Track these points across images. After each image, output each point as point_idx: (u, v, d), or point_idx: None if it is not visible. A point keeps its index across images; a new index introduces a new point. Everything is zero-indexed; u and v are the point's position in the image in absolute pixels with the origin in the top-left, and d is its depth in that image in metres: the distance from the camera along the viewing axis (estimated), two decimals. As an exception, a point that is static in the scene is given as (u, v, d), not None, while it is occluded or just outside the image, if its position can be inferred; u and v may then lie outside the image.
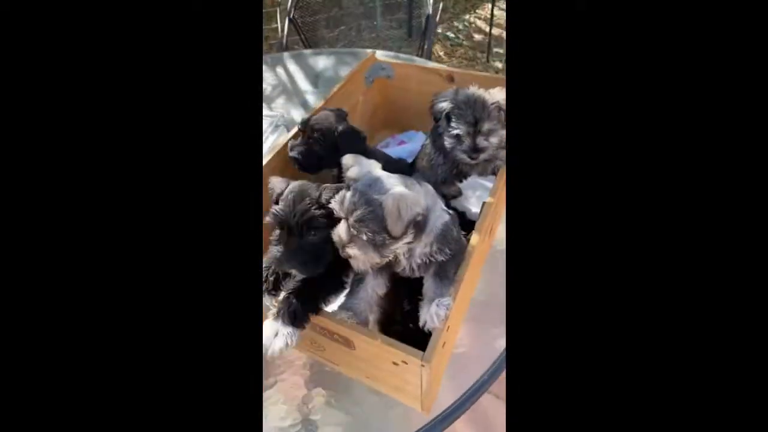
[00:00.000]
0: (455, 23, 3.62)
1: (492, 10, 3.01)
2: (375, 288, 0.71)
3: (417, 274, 0.71)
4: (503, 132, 0.86)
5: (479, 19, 3.73)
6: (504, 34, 3.49)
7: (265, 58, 1.81)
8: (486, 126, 0.84)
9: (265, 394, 0.83)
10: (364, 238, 0.62)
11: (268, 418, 0.80)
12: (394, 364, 0.67)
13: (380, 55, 1.83)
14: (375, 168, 0.70)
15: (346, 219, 0.64)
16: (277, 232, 0.72)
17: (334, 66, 1.74)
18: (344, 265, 0.71)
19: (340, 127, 0.93)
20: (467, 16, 3.74)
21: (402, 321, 0.77)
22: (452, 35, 3.54)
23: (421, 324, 0.66)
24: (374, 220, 0.60)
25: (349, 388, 0.82)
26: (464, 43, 3.50)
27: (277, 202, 0.73)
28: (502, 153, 0.89)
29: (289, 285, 0.74)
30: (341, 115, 0.98)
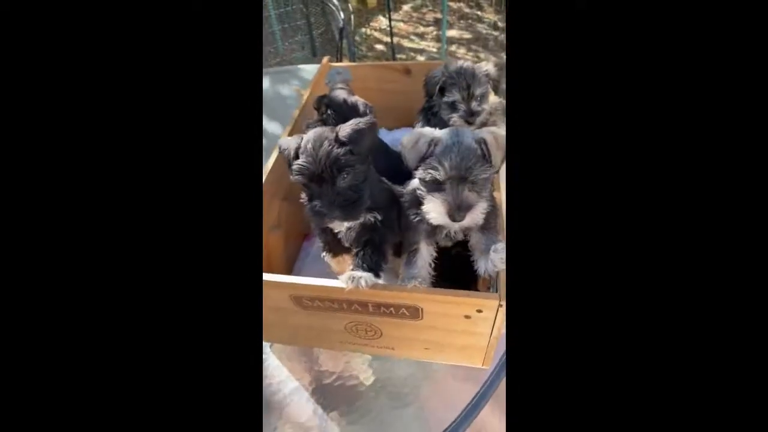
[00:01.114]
0: (355, 38, 3.79)
1: (390, 21, 3.22)
2: (430, 254, 0.75)
3: (460, 236, 0.76)
4: (494, 97, 0.96)
5: (375, 30, 3.94)
6: (403, 42, 3.74)
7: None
8: (478, 91, 0.93)
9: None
10: (481, 177, 0.65)
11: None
12: (466, 317, 0.72)
13: (312, 68, 1.88)
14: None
15: (449, 179, 0.67)
16: (306, 188, 0.70)
17: (272, 85, 1.75)
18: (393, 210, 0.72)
19: (350, 100, 0.98)
20: (364, 30, 3.94)
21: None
22: (355, 49, 3.69)
23: (482, 273, 0.71)
24: (480, 161, 0.66)
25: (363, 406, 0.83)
26: (368, 54, 3.68)
27: (297, 157, 0.70)
28: (493, 118, 0.99)
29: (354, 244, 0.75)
30: (351, 91, 1.03)
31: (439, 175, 0.68)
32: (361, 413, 0.82)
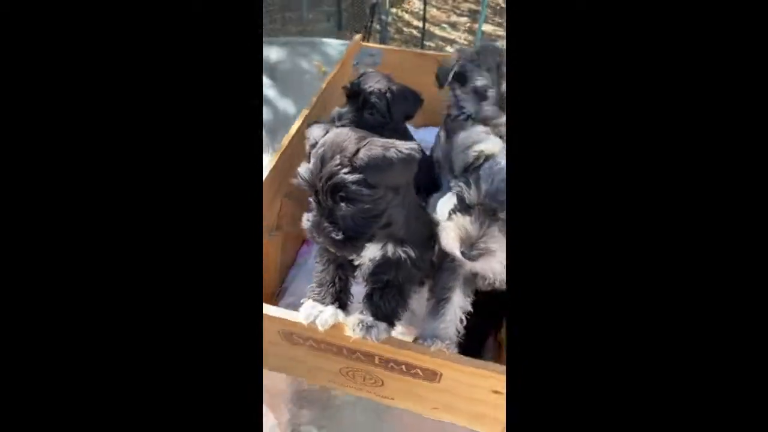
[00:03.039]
0: (386, 18, 3.56)
1: (425, 5, 3.00)
2: (462, 307, 0.59)
3: (501, 285, 0.61)
4: None
5: (407, 12, 3.72)
6: (433, 29, 3.52)
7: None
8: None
9: None
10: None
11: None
12: (495, 392, 0.57)
13: (337, 43, 1.70)
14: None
15: (479, 205, 0.52)
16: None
17: (290, 57, 1.56)
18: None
19: (394, 88, 0.78)
20: (395, 10, 3.71)
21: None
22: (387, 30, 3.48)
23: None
24: None
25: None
26: (395, 37, 3.46)
27: (309, 159, 0.55)
28: None
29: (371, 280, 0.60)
30: (390, 77, 0.82)
31: (469, 196, 0.53)
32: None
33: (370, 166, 0.51)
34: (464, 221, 0.53)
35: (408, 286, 0.59)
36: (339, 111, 0.76)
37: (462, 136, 0.57)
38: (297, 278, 0.92)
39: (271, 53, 1.57)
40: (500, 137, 0.63)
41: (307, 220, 0.54)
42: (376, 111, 0.76)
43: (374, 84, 0.78)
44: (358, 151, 0.52)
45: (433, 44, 3.39)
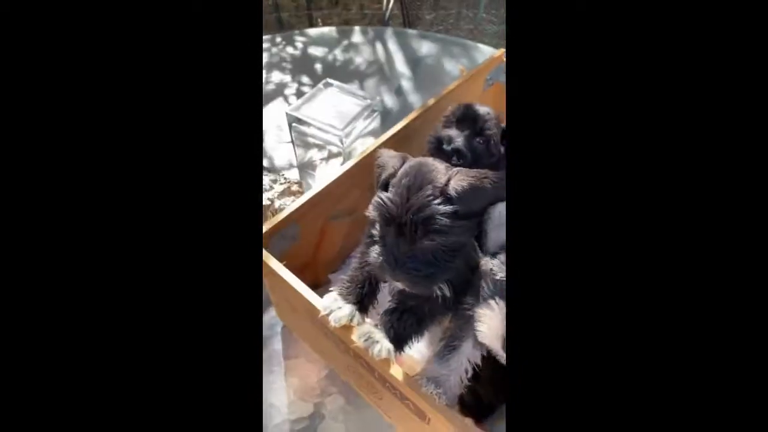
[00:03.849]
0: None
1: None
2: (472, 358, 0.56)
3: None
4: None
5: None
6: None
7: (367, 30, 1.66)
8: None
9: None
10: None
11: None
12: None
13: (489, 51, 1.65)
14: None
15: None
16: (380, 227, 0.53)
17: (438, 54, 1.57)
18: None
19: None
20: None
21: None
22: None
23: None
24: None
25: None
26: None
27: (386, 187, 0.53)
28: None
29: (395, 299, 0.59)
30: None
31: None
32: None
33: (463, 196, 0.50)
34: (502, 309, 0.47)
35: (429, 321, 0.57)
36: (449, 134, 0.69)
37: (501, 209, 0.51)
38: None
39: (422, 46, 1.59)
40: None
41: (377, 255, 0.53)
42: (487, 141, 0.71)
43: (492, 112, 0.74)
44: (449, 180, 0.51)
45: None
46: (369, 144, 0.87)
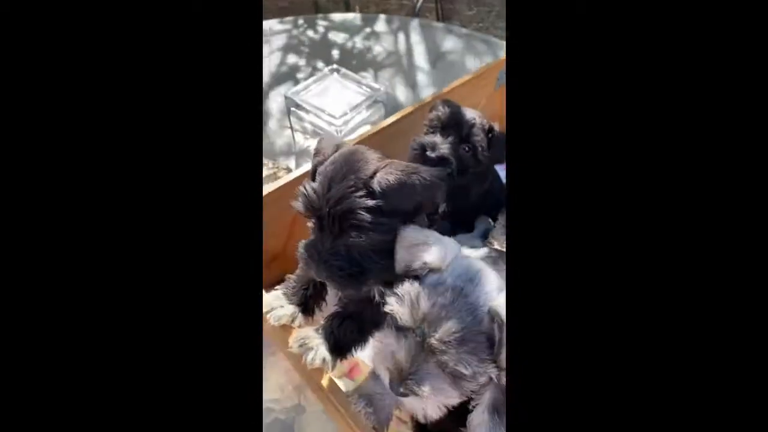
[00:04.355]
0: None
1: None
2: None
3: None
4: None
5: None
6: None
7: (393, 19, 1.61)
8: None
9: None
10: (462, 370, 0.39)
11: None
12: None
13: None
14: (469, 251, 0.48)
15: (422, 333, 0.40)
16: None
17: (462, 50, 1.50)
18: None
19: (495, 128, 0.69)
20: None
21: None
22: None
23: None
24: (477, 342, 0.38)
25: None
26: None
27: (314, 176, 0.49)
28: None
29: (338, 304, 0.55)
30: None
31: (402, 315, 0.42)
32: None
33: (388, 192, 0.45)
34: (396, 345, 0.42)
35: (372, 329, 0.52)
36: (433, 140, 0.65)
37: (411, 231, 0.45)
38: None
39: (446, 41, 1.52)
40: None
41: (301, 246, 0.49)
42: (474, 149, 0.66)
43: (478, 118, 0.68)
44: (375, 173, 0.46)
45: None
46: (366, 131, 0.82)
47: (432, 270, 0.43)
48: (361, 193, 0.44)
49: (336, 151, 0.50)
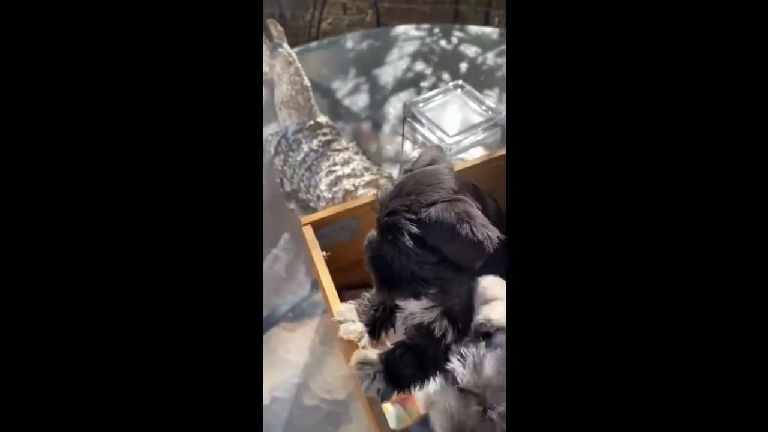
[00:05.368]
0: None
1: None
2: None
3: None
4: None
5: None
6: None
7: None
8: None
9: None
10: None
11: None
12: None
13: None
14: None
15: (483, 401, 0.37)
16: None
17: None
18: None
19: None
20: None
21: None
22: None
23: None
24: None
25: None
26: None
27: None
28: None
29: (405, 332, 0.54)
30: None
31: (464, 379, 0.41)
32: None
33: (432, 228, 0.43)
34: (455, 406, 0.39)
35: (432, 366, 0.50)
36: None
37: (490, 281, 0.40)
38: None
39: (468, 50, 1.44)
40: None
41: (370, 235, 0.50)
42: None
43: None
44: (434, 203, 0.44)
45: None
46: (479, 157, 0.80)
47: (500, 329, 0.40)
48: (411, 216, 0.43)
49: (427, 165, 0.49)
